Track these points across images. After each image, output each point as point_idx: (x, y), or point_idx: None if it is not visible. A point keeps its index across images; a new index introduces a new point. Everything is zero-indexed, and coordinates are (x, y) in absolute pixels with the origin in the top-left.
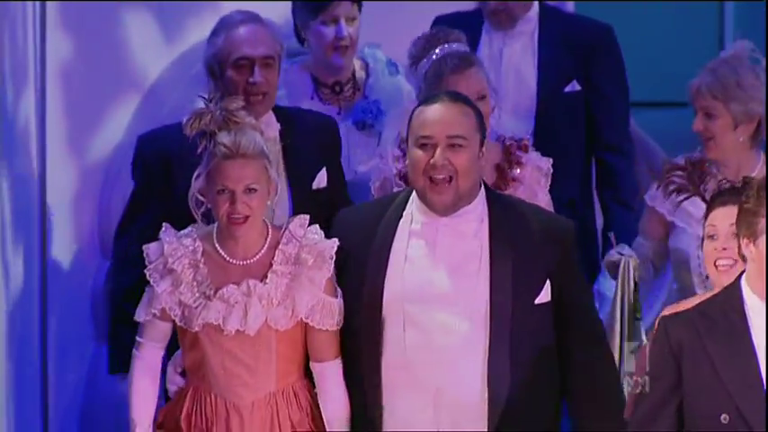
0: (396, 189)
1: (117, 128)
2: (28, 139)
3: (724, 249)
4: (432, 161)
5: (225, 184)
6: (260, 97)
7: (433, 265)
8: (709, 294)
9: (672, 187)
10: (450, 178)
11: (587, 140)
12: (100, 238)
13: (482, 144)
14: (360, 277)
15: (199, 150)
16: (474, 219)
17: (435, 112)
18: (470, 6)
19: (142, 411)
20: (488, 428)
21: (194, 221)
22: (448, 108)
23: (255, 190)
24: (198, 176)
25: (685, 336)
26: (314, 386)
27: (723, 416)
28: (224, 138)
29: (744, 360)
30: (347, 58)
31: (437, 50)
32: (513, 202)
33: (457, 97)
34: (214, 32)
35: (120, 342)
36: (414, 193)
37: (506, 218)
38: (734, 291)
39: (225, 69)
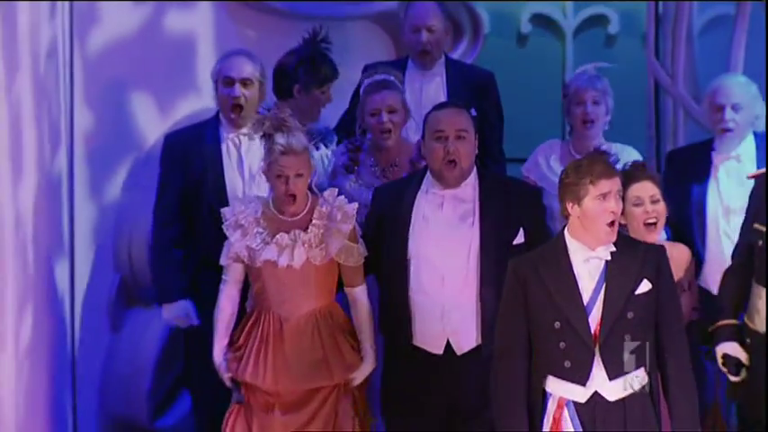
0: (341, 175)
1: (126, 178)
2: (60, 187)
3: (647, 213)
4: (446, 149)
5: (281, 172)
6: (238, 108)
7: (441, 221)
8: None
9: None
10: (456, 161)
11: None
12: (114, 258)
13: (475, 137)
14: (392, 232)
15: (263, 146)
16: (470, 189)
17: (444, 113)
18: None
19: (221, 327)
20: (481, 334)
21: (203, 195)
22: (452, 109)
23: (302, 175)
24: (262, 163)
25: (527, 270)
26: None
27: (556, 323)
28: (280, 139)
29: (567, 282)
30: None
31: (372, 78)
32: (496, 175)
33: (456, 102)
34: (218, 61)
35: (166, 279)
36: (428, 171)
37: (492, 186)
38: (560, 238)
39: (218, 85)
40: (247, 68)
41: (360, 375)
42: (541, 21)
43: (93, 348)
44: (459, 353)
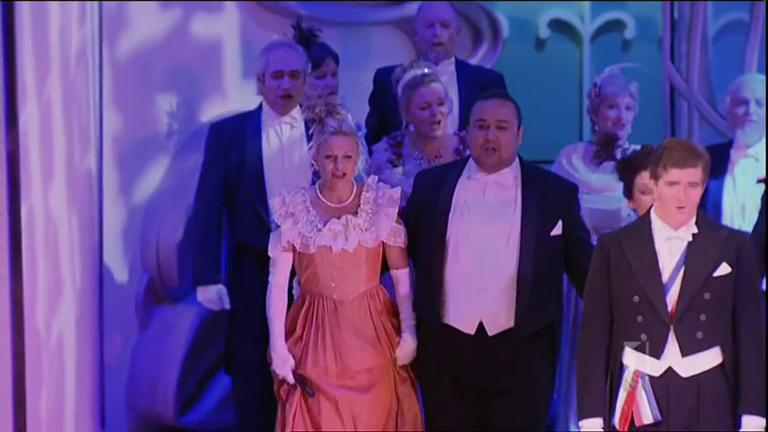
0: (387, 170)
1: (153, 180)
2: (90, 187)
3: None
4: (486, 137)
5: (331, 152)
6: (289, 98)
7: (483, 205)
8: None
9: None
10: (495, 149)
11: None
12: (141, 256)
13: (518, 128)
14: (431, 215)
15: (309, 132)
16: (511, 176)
17: (488, 103)
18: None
19: (277, 320)
20: (515, 318)
21: (242, 183)
22: (497, 100)
23: (350, 157)
24: (311, 148)
25: (612, 244)
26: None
27: (635, 297)
28: (332, 121)
29: (648, 259)
30: None
31: (411, 72)
32: (538, 169)
33: (502, 94)
34: (262, 52)
35: (203, 262)
36: (470, 158)
37: (533, 178)
38: (647, 216)
39: (266, 78)
40: (297, 61)
41: (402, 354)
42: (559, 26)
43: (121, 345)
44: (490, 334)
